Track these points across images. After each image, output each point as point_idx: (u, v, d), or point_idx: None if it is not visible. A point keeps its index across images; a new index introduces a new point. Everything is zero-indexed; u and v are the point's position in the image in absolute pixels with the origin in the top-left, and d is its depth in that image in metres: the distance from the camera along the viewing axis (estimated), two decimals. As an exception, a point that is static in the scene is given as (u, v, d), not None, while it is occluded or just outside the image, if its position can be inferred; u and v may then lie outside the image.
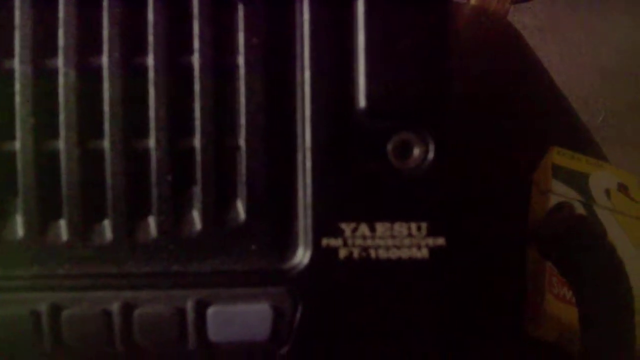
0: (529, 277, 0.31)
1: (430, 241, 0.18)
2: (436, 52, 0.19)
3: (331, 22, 0.19)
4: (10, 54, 0.18)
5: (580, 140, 0.36)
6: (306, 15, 0.19)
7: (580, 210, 0.31)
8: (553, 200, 0.31)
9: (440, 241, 0.18)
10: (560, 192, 0.31)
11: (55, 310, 0.18)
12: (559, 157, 0.32)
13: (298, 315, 0.18)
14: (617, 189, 0.32)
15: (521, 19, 0.92)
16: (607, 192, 0.32)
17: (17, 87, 0.18)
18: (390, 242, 0.18)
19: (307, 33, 0.19)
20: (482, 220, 0.19)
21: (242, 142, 0.18)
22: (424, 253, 0.18)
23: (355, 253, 0.18)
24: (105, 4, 0.18)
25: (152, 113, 0.18)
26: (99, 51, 0.18)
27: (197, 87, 0.18)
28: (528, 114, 0.33)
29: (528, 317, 0.29)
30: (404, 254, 0.18)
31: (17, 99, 0.18)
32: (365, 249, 0.18)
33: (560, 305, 0.29)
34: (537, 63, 0.38)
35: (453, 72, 0.18)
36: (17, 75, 0.18)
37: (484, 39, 0.38)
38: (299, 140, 0.19)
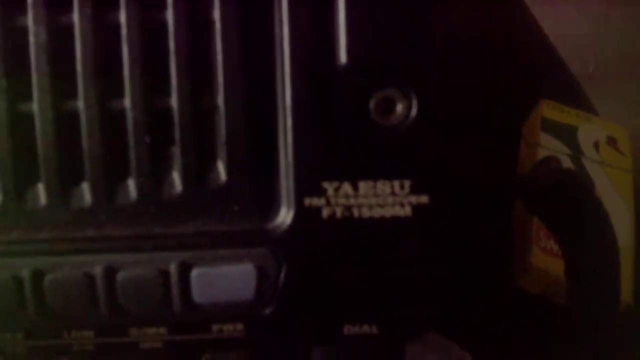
0: (516, 230, 0.31)
1: (414, 199, 0.18)
2: (418, 5, 0.18)
3: None
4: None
5: (570, 92, 0.35)
6: None
7: (568, 163, 0.31)
8: (541, 153, 0.31)
9: (424, 199, 0.18)
10: (549, 145, 0.31)
11: (38, 275, 0.18)
12: (549, 110, 0.32)
13: (282, 275, 0.18)
14: (606, 142, 0.32)
15: None
16: (596, 145, 0.32)
17: None
18: (373, 200, 0.18)
19: None
20: (467, 176, 0.18)
21: (220, 101, 0.18)
22: (407, 211, 0.18)
23: (338, 212, 0.18)
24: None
25: (126, 72, 0.18)
26: (69, 8, 0.18)
27: (171, 43, 0.18)
28: (519, 65, 0.32)
29: (516, 270, 0.30)
30: (387, 212, 0.18)
31: None
32: (348, 207, 0.18)
33: (546, 258, 0.29)
34: (528, 13, 0.37)
35: (436, 26, 0.18)
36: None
37: None
38: (279, 99, 0.18)
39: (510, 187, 0.25)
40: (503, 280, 0.29)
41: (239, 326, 0.19)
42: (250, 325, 0.19)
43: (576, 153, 0.31)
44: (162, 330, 0.19)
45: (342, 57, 0.18)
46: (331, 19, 0.18)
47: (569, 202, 0.25)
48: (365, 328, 0.19)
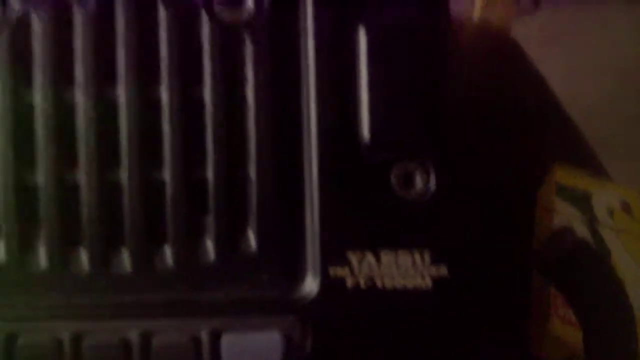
0: (534, 298, 0.31)
1: (434, 270, 0.19)
2: (435, 85, 0.19)
3: (335, 58, 0.19)
4: (30, 89, 0.19)
5: (583, 156, 0.36)
6: (311, 52, 0.20)
7: (583, 230, 0.32)
8: (556, 220, 0.32)
9: (443, 270, 0.19)
10: (564, 211, 0.32)
11: (77, 339, 0.19)
12: (562, 175, 0.33)
13: (308, 343, 0.19)
14: (621, 208, 0.33)
15: (525, 31, 0.93)
16: (610, 211, 0.33)
17: (38, 121, 0.19)
18: (395, 271, 0.19)
19: (312, 69, 0.19)
20: (485, 247, 0.19)
21: (252, 173, 0.19)
22: (427, 283, 0.19)
23: (362, 282, 0.19)
24: (120, 38, 0.19)
25: (166, 145, 0.19)
26: (114, 84, 0.19)
27: (209, 120, 0.19)
28: (532, 129, 0.34)
29: (532, 338, 0.30)
30: (409, 283, 0.19)
31: (38, 133, 0.19)
32: (371, 278, 0.19)
33: (565, 328, 0.29)
34: (540, 78, 0.38)
35: (452, 103, 0.19)
36: (37, 109, 0.19)
37: (487, 55, 0.39)
38: (307, 172, 0.19)
39: (527, 257, 0.26)
40: (519, 346, 0.29)
41: (266, 394, 0.19)
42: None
43: (591, 219, 0.32)
44: (192, 395, 0.19)
45: (365, 134, 0.19)
46: (355, 99, 0.19)
47: (583, 272, 0.26)
48: (390, 397, 0.20)
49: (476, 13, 0.45)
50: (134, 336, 0.19)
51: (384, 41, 0.20)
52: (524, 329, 0.30)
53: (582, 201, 0.32)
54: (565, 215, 0.32)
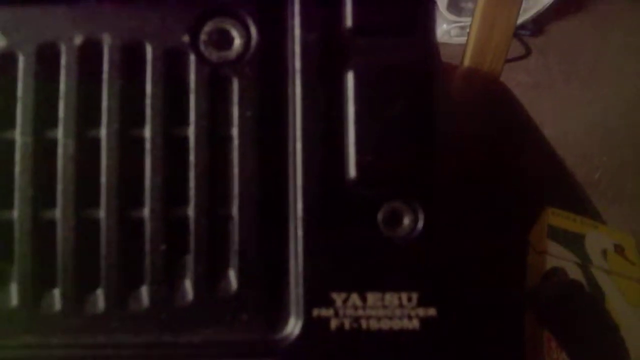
0: (527, 342, 0.30)
1: (421, 311, 0.18)
2: (423, 123, 0.19)
3: (322, 95, 0.19)
4: (11, 125, 0.19)
5: (575, 199, 0.36)
6: (298, 89, 0.19)
7: (576, 272, 0.31)
8: (549, 262, 0.31)
9: (432, 312, 0.18)
10: (556, 254, 0.31)
11: None
12: (554, 217, 0.33)
13: (289, 388, 0.18)
14: (614, 250, 0.32)
15: (515, 76, 0.94)
16: (604, 253, 0.32)
17: (17, 157, 0.19)
18: (381, 312, 0.18)
19: (299, 106, 0.19)
20: (476, 289, 0.19)
21: (235, 211, 0.19)
22: (415, 324, 0.18)
23: (347, 324, 0.18)
24: (105, 77, 0.19)
25: (147, 183, 0.19)
26: (97, 123, 0.19)
27: (192, 158, 0.19)
28: (523, 173, 0.33)
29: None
30: (395, 324, 0.18)
31: (17, 168, 0.19)
32: (356, 319, 0.18)
33: (559, 370, 0.29)
34: (530, 123, 0.39)
35: (441, 142, 0.19)
36: (17, 145, 0.19)
37: (477, 100, 0.39)
38: (291, 210, 0.19)
39: (519, 299, 0.25)
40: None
41: None
42: None
43: (584, 261, 0.31)
44: None
45: (352, 171, 0.19)
46: (341, 135, 0.19)
47: (576, 314, 0.25)
48: None
49: (467, 60, 0.46)
50: (105, 380, 0.18)
51: (372, 83, 0.19)
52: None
53: (575, 243, 0.32)
54: (558, 257, 0.31)
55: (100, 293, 0.19)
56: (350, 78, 0.19)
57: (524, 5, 0.44)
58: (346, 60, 0.20)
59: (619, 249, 0.32)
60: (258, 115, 0.19)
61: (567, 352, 0.25)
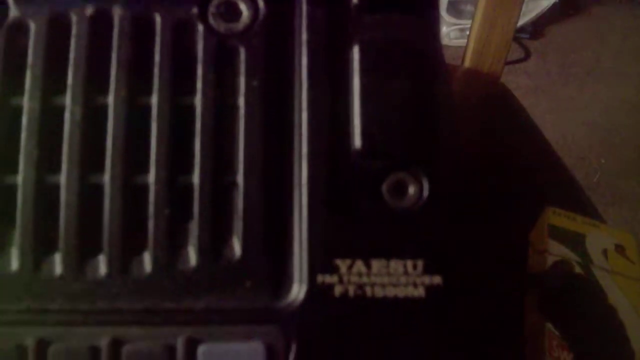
0: (529, 340, 0.30)
1: (427, 279, 0.18)
2: (426, 96, 0.19)
3: (328, 67, 0.20)
4: (19, 91, 0.19)
5: (575, 199, 0.36)
6: (304, 61, 0.20)
7: (578, 271, 0.31)
8: (550, 261, 0.31)
9: (437, 280, 0.18)
10: (557, 252, 0.31)
11: (42, 345, 0.17)
12: (555, 217, 0.33)
13: (292, 354, 0.18)
14: (615, 250, 0.32)
15: (515, 79, 0.96)
16: (605, 253, 0.32)
17: (25, 122, 0.19)
18: (386, 279, 0.18)
19: (305, 77, 0.19)
20: (480, 258, 0.18)
21: (239, 178, 0.19)
22: (420, 292, 0.18)
23: (351, 290, 0.18)
24: (114, 45, 0.19)
25: (153, 149, 0.19)
26: (105, 91, 0.19)
27: (198, 125, 0.19)
28: (523, 173, 0.33)
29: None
30: (400, 292, 0.18)
31: (24, 133, 0.19)
32: (361, 286, 0.18)
33: (561, 369, 0.28)
34: (530, 123, 0.39)
35: (445, 112, 0.19)
36: (25, 111, 0.19)
37: (478, 101, 0.39)
38: (296, 178, 0.19)
39: (523, 277, 0.25)
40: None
41: (244, 413, 0.18)
42: (256, 412, 0.18)
43: (585, 261, 0.31)
44: (163, 414, 0.18)
45: (357, 141, 0.19)
46: (347, 106, 0.19)
47: (580, 308, 0.25)
48: (379, 420, 0.18)
49: (467, 61, 0.46)
50: (103, 343, 0.17)
51: (377, 57, 0.20)
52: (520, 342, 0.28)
53: (576, 243, 0.32)
54: (559, 256, 0.31)
55: (102, 258, 0.18)
56: (355, 52, 0.20)
57: (523, 8, 0.45)
58: (352, 34, 0.20)
59: (619, 249, 0.32)
60: (264, 85, 0.19)
61: (569, 344, 0.24)
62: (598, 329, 0.24)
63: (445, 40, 1.10)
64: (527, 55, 1.07)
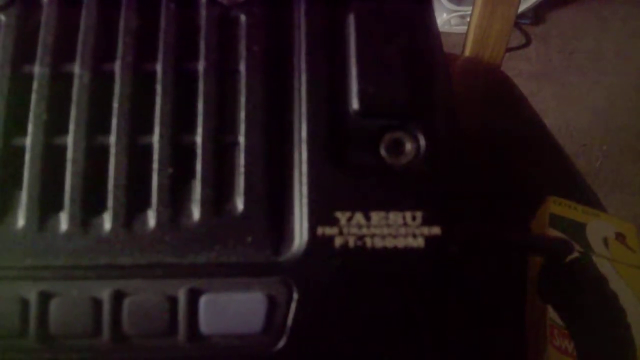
0: (530, 329, 0.30)
1: (426, 230, 0.18)
2: (420, 57, 0.20)
3: (325, 31, 0.20)
4: (30, 58, 0.20)
5: (576, 187, 0.36)
6: (303, 27, 0.20)
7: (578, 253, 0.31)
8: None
9: (436, 230, 0.18)
10: (559, 241, 0.31)
11: (44, 297, 0.18)
12: (556, 206, 0.33)
13: (293, 304, 0.18)
14: (615, 238, 0.32)
15: (517, 66, 0.96)
16: (605, 241, 0.32)
17: (35, 87, 0.20)
18: (385, 230, 0.18)
19: (304, 41, 0.20)
20: (479, 211, 0.19)
21: (241, 138, 0.19)
22: (419, 242, 0.18)
23: (351, 242, 0.18)
24: (121, 15, 0.20)
25: (157, 110, 0.19)
26: (113, 57, 0.20)
27: (200, 87, 0.20)
28: (523, 163, 0.34)
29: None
30: (400, 242, 0.18)
31: (33, 98, 0.20)
32: (360, 237, 0.18)
33: (562, 357, 0.28)
34: (531, 112, 0.39)
35: (440, 73, 0.20)
36: (35, 77, 0.20)
37: (479, 89, 0.40)
38: (296, 137, 0.19)
39: (524, 236, 0.25)
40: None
41: (246, 365, 0.18)
42: (257, 364, 0.18)
43: (586, 249, 0.31)
44: (164, 367, 0.18)
45: (354, 102, 0.20)
46: (344, 68, 0.20)
47: (582, 293, 0.25)
48: (379, 370, 0.18)
49: (467, 49, 0.47)
50: (105, 295, 0.18)
51: (371, 23, 0.21)
52: (521, 357, 0.28)
53: (577, 231, 0.32)
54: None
55: (106, 216, 0.19)
56: (351, 18, 0.21)
57: None
58: (347, 2, 0.21)
59: (620, 237, 0.32)
60: (264, 50, 0.20)
61: (570, 331, 0.24)
62: (598, 314, 0.24)
63: (446, 27, 1.09)
64: (529, 41, 1.06)
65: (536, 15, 1.11)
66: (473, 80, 0.43)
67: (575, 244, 0.32)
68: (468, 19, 0.50)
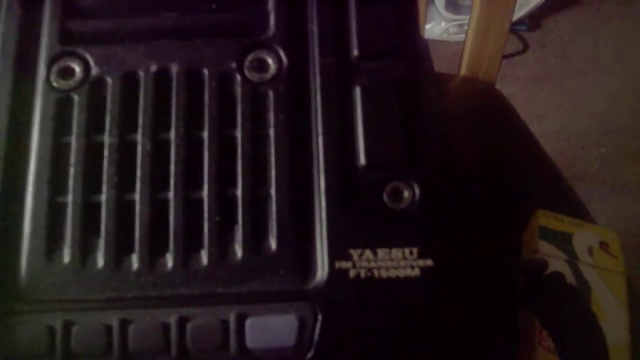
0: (521, 330, 0.34)
1: (421, 262, 0.23)
2: (416, 121, 0.25)
3: (336, 101, 0.25)
4: (100, 130, 0.25)
5: (566, 200, 0.40)
6: (318, 99, 0.25)
7: (565, 267, 0.35)
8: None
9: (429, 262, 0.23)
10: (547, 252, 0.36)
11: (124, 323, 0.23)
12: (545, 219, 0.37)
13: (318, 323, 0.23)
14: (599, 247, 0.36)
15: (514, 72, 0.98)
16: (590, 250, 0.36)
17: (106, 153, 0.25)
18: (389, 263, 0.23)
19: (320, 112, 0.25)
20: (468, 245, 0.23)
21: (272, 190, 0.24)
22: (416, 272, 0.23)
23: (362, 273, 0.23)
24: (173, 93, 0.25)
25: (205, 170, 0.24)
26: (168, 127, 0.25)
27: (239, 151, 0.25)
28: (515, 177, 0.38)
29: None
30: (401, 273, 0.23)
31: (105, 162, 0.25)
32: (370, 269, 0.23)
33: (550, 357, 0.32)
34: (524, 128, 0.43)
35: (431, 136, 0.25)
36: (106, 145, 0.25)
37: (474, 108, 0.44)
38: (316, 189, 0.24)
39: (511, 259, 0.30)
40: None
41: (283, 373, 0.23)
42: (291, 372, 0.23)
43: (572, 258, 0.36)
44: (220, 377, 0.23)
45: (362, 159, 0.24)
46: (353, 132, 0.25)
47: (556, 300, 0.29)
48: (389, 378, 0.23)
49: (463, 67, 0.51)
50: (172, 320, 0.23)
51: (374, 95, 0.25)
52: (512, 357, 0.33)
53: (564, 242, 0.36)
54: (548, 255, 0.36)
55: (168, 256, 0.24)
56: (357, 92, 0.25)
57: (520, 0, 0.49)
58: (354, 78, 0.26)
59: (603, 246, 0.36)
60: (289, 119, 0.25)
61: (552, 338, 0.29)
62: (573, 322, 0.29)
63: (444, 36, 1.11)
64: (526, 47, 1.08)
65: (533, 21, 1.11)
66: (468, 100, 0.47)
67: (562, 253, 0.36)
68: (466, 27, 0.54)
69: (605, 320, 0.33)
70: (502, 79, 0.58)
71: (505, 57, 0.50)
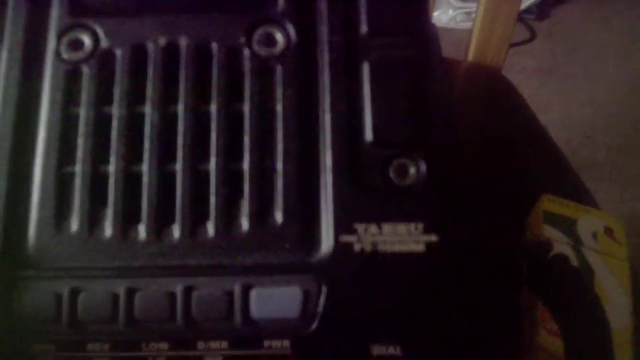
0: (525, 314, 0.34)
1: (426, 238, 0.23)
2: (422, 98, 0.25)
3: (345, 77, 0.25)
4: (109, 102, 0.25)
5: (572, 186, 0.40)
6: (327, 76, 0.25)
7: (569, 252, 0.35)
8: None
9: (434, 238, 0.23)
10: (551, 237, 0.36)
11: (131, 292, 0.23)
12: (550, 204, 0.37)
13: (323, 296, 0.23)
14: (604, 233, 0.36)
15: (521, 61, 0.97)
16: (595, 236, 0.36)
17: (114, 125, 0.25)
18: (394, 238, 0.23)
19: (328, 88, 0.25)
20: (471, 223, 0.23)
21: (279, 165, 0.24)
22: (420, 247, 0.23)
23: (367, 247, 0.23)
24: (182, 66, 0.25)
25: (212, 144, 0.25)
26: (176, 101, 0.25)
27: (247, 125, 0.25)
28: (521, 162, 0.38)
29: (523, 349, 0.33)
30: (405, 248, 0.23)
31: (113, 134, 0.25)
32: (375, 244, 0.23)
33: (552, 339, 0.32)
34: (530, 114, 0.43)
35: (437, 113, 0.25)
36: (114, 117, 0.25)
37: (481, 95, 0.44)
38: (322, 164, 0.24)
39: (515, 239, 0.30)
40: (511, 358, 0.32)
41: (286, 343, 0.23)
42: (296, 343, 0.23)
43: (577, 243, 0.36)
44: (224, 344, 0.23)
45: (369, 135, 0.25)
46: (361, 108, 0.25)
47: (561, 283, 0.29)
48: (392, 350, 0.23)
49: (471, 53, 0.51)
50: (179, 289, 0.23)
51: (382, 71, 0.25)
52: (516, 340, 0.33)
53: (569, 227, 0.36)
54: (552, 240, 0.36)
55: (175, 227, 0.24)
56: (366, 68, 0.25)
57: None
58: (363, 55, 0.26)
59: (608, 232, 0.36)
60: (296, 94, 0.25)
61: (556, 321, 0.29)
62: (578, 305, 0.29)
63: (452, 24, 1.11)
64: (533, 36, 1.07)
65: (541, 10, 1.11)
66: (476, 86, 0.47)
67: (566, 238, 0.36)
68: (474, 16, 0.54)
69: (609, 305, 0.33)
70: (509, 68, 0.57)
71: (512, 45, 0.50)
